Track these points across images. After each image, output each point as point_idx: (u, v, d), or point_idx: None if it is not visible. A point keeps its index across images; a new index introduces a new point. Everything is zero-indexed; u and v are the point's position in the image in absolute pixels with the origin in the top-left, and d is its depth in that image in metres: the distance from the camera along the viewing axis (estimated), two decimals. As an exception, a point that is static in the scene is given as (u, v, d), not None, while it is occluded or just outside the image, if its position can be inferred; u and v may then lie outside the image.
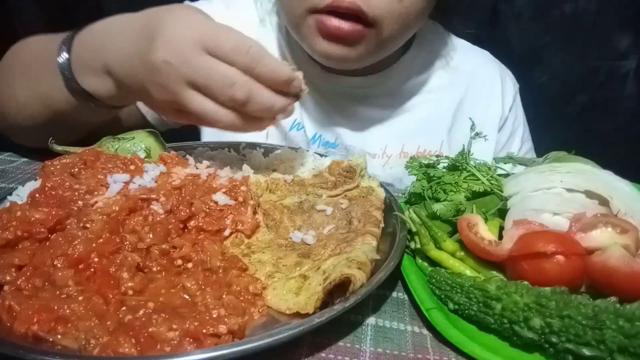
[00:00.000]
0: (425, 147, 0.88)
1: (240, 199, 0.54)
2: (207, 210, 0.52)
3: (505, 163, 0.67)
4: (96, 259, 0.44)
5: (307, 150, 0.71)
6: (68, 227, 0.48)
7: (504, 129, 0.92)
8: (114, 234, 0.46)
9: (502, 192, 0.56)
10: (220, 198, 0.53)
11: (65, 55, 0.59)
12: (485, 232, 0.49)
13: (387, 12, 0.67)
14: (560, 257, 0.43)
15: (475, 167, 0.61)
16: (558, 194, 0.50)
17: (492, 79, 0.92)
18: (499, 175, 0.62)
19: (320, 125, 0.87)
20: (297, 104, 0.82)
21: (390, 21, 0.68)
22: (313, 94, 0.85)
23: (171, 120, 0.63)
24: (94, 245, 0.44)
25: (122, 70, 0.56)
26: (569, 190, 0.50)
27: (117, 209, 0.48)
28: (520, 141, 0.94)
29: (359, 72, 0.83)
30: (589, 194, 0.50)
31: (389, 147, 0.88)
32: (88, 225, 0.47)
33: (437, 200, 0.58)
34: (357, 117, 0.88)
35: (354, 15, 0.67)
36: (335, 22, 0.67)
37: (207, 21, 0.53)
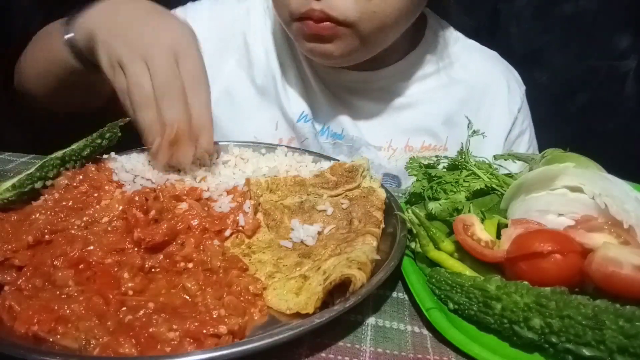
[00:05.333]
0: (430, 142, 0.89)
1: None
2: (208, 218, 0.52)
3: (505, 160, 0.67)
4: (99, 259, 0.44)
5: (306, 152, 0.71)
6: (70, 227, 0.48)
7: (514, 129, 0.92)
8: (126, 233, 0.47)
9: (503, 189, 0.56)
10: (223, 204, 0.54)
11: (70, 33, 0.67)
12: (481, 232, 0.49)
13: (359, 13, 0.69)
14: (557, 256, 0.43)
15: (475, 165, 0.61)
16: (562, 194, 0.50)
17: (497, 80, 0.93)
18: (506, 175, 0.62)
19: (327, 116, 0.89)
20: (304, 96, 0.87)
21: (365, 21, 0.70)
22: (319, 86, 0.88)
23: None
24: (104, 243, 0.45)
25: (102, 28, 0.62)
26: (573, 190, 0.49)
27: (121, 208, 0.49)
28: (528, 142, 0.95)
29: (361, 66, 0.84)
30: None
31: (394, 140, 0.89)
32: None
33: (438, 200, 0.57)
34: (361, 110, 0.90)
35: (326, 20, 0.70)
36: (313, 25, 0.72)
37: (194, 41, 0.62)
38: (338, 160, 0.67)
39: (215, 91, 0.87)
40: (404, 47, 0.87)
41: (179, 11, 0.90)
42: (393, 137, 0.89)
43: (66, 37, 0.67)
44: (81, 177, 0.56)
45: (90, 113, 0.85)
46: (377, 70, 0.87)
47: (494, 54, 0.97)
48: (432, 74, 0.91)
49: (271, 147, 0.73)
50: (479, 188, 0.57)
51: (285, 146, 0.73)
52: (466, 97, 0.90)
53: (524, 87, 0.96)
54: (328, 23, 0.70)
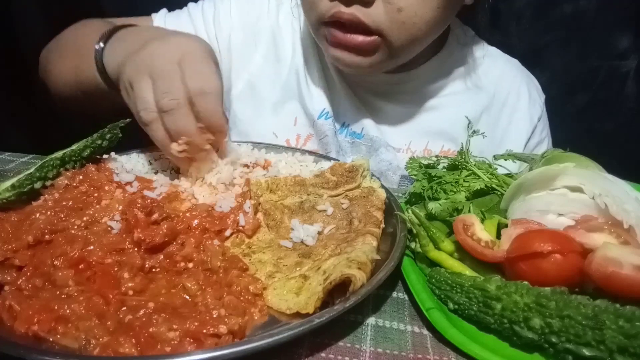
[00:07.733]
0: (450, 147, 0.89)
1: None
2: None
3: (505, 160, 0.67)
4: (99, 259, 0.44)
5: (307, 152, 0.71)
6: (70, 227, 0.48)
7: (533, 138, 0.93)
8: (126, 233, 0.47)
9: (503, 189, 0.56)
10: (223, 204, 0.54)
11: (101, 44, 0.70)
12: (481, 232, 0.49)
13: (390, 22, 0.68)
14: (557, 256, 0.43)
15: (475, 165, 0.61)
16: (562, 194, 0.50)
17: (518, 88, 0.93)
18: (506, 175, 0.62)
19: (348, 115, 0.90)
20: (326, 93, 0.87)
21: (395, 31, 0.69)
22: (342, 85, 0.88)
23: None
24: (104, 243, 0.45)
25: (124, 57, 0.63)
26: (573, 190, 0.49)
27: (121, 208, 0.49)
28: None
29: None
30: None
31: (413, 143, 0.90)
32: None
33: (438, 200, 0.57)
34: (383, 111, 0.90)
35: (357, 26, 0.69)
36: (341, 35, 0.71)
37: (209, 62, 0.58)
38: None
39: (241, 84, 0.90)
40: (428, 52, 0.86)
41: (208, 4, 0.90)
42: (412, 139, 0.90)
43: (97, 55, 0.69)
44: (81, 177, 0.56)
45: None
46: (400, 73, 0.87)
47: (515, 61, 0.97)
48: (455, 79, 0.91)
49: (271, 147, 0.73)
50: (479, 188, 0.58)
51: (286, 146, 0.73)
52: (488, 104, 0.90)
53: (543, 96, 0.96)
54: (359, 37, 0.70)
